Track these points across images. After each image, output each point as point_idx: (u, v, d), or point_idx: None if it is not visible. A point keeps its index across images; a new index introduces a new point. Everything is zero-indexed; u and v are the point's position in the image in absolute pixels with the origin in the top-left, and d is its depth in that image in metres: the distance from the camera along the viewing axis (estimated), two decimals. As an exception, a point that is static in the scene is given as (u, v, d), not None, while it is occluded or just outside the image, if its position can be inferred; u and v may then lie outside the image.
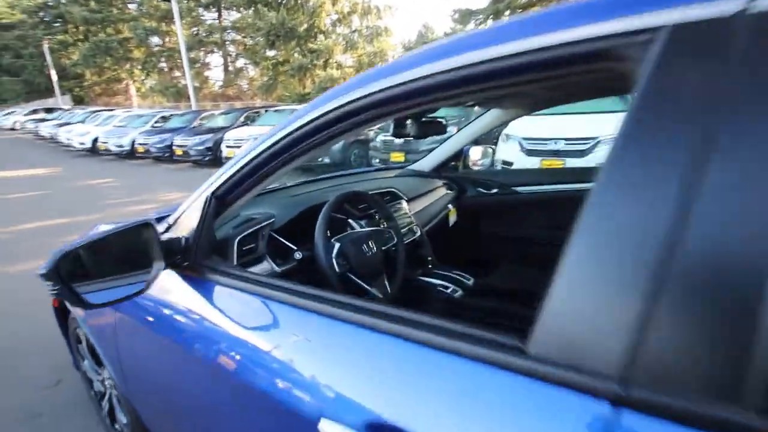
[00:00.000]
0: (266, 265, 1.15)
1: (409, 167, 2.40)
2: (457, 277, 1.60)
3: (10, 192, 6.91)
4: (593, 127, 5.05)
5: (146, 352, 1.05)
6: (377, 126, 7.98)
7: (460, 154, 2.33)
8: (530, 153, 5.50)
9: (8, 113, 20.57)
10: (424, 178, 2.28)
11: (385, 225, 1.39)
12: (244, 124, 10.96)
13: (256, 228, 1.16)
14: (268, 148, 0.79)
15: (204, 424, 0.90)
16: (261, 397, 0.67)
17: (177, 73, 23.54)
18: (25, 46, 23.52)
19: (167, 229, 0.96)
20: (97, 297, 0.78)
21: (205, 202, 0.90)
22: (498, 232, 2.26)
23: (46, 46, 21.92)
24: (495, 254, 2.27)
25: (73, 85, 24.47)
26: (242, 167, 0.84)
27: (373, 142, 7.40)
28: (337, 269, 1.11)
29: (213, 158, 10.22)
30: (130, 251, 0.85)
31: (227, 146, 9.66)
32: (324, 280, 1.08)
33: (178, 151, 10.86)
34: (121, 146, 11.88)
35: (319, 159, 7.88)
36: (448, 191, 2.26)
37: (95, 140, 12.55)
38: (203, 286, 0.86)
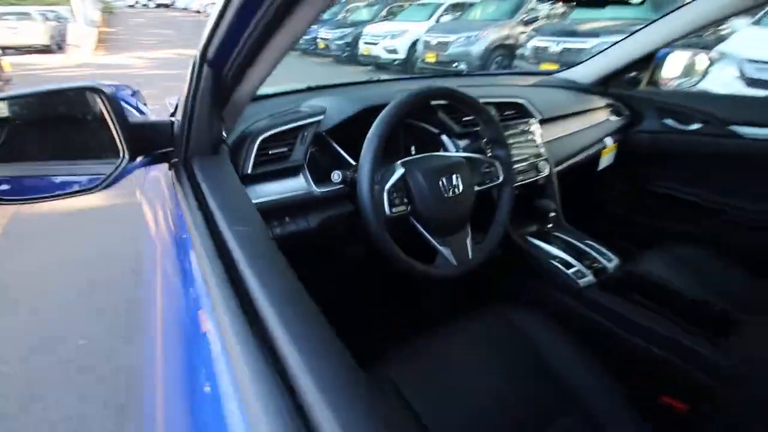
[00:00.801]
0: (300, 182, 0.81)
1: (558, 74, 1.70)
2: (592, 251, 1.05)
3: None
4: None
5: None
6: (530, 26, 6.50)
7: (650, 61, 1.50)
8: (754, 83, 3.83)
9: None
10: (578, 92, 1.57)
11: (490, 153, 0.89)
12: (386, 18, 10.27)
13: (293, 125, 0.80)
14: None
15: None
16: None
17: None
18: None
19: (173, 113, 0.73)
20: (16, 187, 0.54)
21: (192, 69, 0.57)
22: (679, 194, 1.50)
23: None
24: (663, 227, 1.55)
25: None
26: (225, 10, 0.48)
27: (522, 49, 6.11)
28: (387, 209, 0.71)
29: (350, 55, 10.07)
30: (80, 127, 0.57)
31: (365, 42, 9.30)
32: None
33: (321, 45, 10.98)
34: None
35: (454, 65, 6.97)
36: (612, 117, 1.53)
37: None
38: (183, 195, 0.58)
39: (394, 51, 8.68)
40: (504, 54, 6.78)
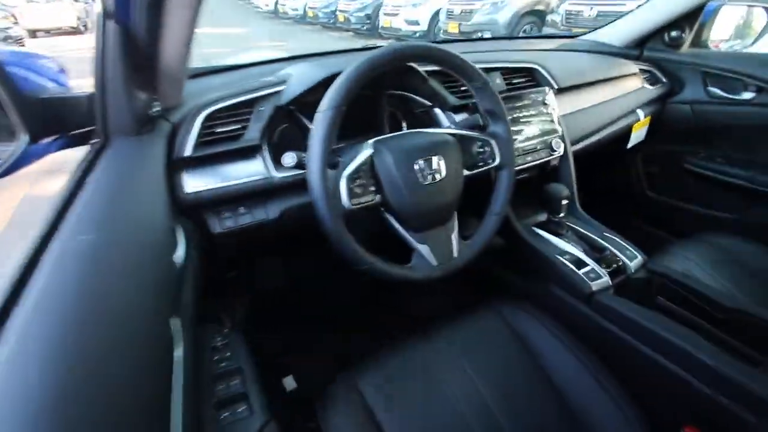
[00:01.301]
0: (257, 165, 0.69)
1: (585, 36, 1.48)
2: (611, 246, 0.90)
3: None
4: None
5: None
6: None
7: (695, 18, 1.27)
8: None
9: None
10: (607, 56, 1.36)
11: (488, 129, 0.74)
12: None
13: (245, 97, 0.68)
14: None
15: None
16: None
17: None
18: None
19: None
20: None
21: (97, 26, 0.46)
22: (725, 177, 1.29)
23: None
24: (703, 216, 1.34)
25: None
26: None
27: (553, 15, 5.64)
28: (346, 199, 0.59)
29: (371, 28, 9.69)
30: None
31: (384, 14, 8.90)
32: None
33: (341, 18, 10.62)
34: (296, 9, 12.22)
35: (477, 35, 6.56)
36: (646, 85, 1.32)
37: (276, 2, 13.18)
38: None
39: (415, 22, 8.27)
40: (533, 21, 6.28)
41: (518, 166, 0.98)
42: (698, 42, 1.37)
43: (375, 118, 0.95)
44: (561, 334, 0.79)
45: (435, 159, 0.67)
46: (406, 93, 0.95)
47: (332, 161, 0.64)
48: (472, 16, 6.70)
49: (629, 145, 1.36)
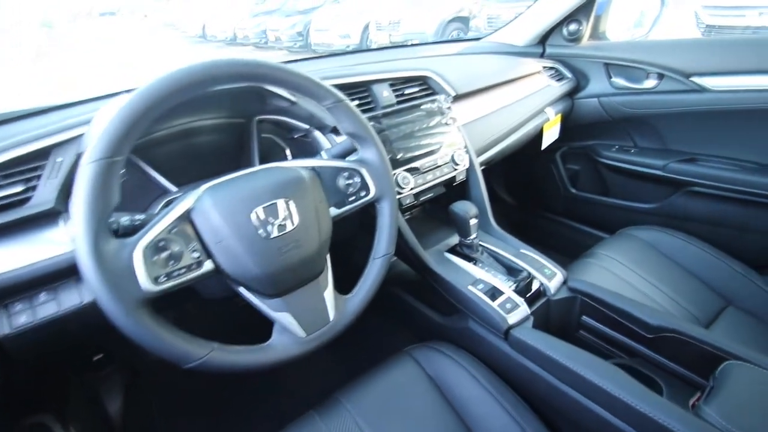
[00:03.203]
0: (57, 236, 0.51)
1: (487, 38, 1.42)
2: (528, 266, 0.80)
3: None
4: None
5: None
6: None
7: (589, 10, 1.24)
8: (712, 31, 3.67)
9: None
10: (510, 56, 1.30)
11: (357, 155, 0.61)
12: (335, 1, 9.76)
13: (28, 149, 0.52)
14: None
15: None
16: None
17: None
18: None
19: None
20: None
21: None
22: (642, 168, 1.26)
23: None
24: (626, 211, 1.31)
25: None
26: None
27: (476, 19, 5.81)
28: (145, 280, 0.42)
29: (304, 44, 9.56)
30: None
31: (316, 30, 8.81)
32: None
33: (272, 37, 10.41)
34: (225, 32, 11.87)
35: (406, 41, 6.62)
36: (552, 82, 1.26)
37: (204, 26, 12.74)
38: None
39: (346, 36, 8.25)
40: (460, 27, 6.45)
41: (418, 187, 0.86)
42: (597, 34, 1.35)
43: (238, 152, 0.80)
44: (481, 375, 0.69)
45: (281, 204, 0.52)
46: (277, 117, 0.80)
47: (127, 226, 0.48)
48: (400, 25, 6.78)
49: (543, 146, 1.30)
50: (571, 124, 1.39)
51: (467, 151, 0.94)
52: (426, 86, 0.98)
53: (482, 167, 1.11)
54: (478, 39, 1.50)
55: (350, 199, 0.61)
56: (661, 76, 1.18)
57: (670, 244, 1.11)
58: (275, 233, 0.51)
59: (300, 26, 9.61)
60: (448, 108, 0.96)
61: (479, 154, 1.03)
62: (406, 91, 0.94)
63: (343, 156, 0.67)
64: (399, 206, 0.84)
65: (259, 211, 0.51)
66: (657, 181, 1.27)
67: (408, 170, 0.84)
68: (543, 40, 1.37)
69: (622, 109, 1.28)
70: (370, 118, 0.83)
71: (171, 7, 17.19)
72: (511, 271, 0.84)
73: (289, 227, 0.52)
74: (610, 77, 1.29)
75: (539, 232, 1.70)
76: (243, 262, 0.49)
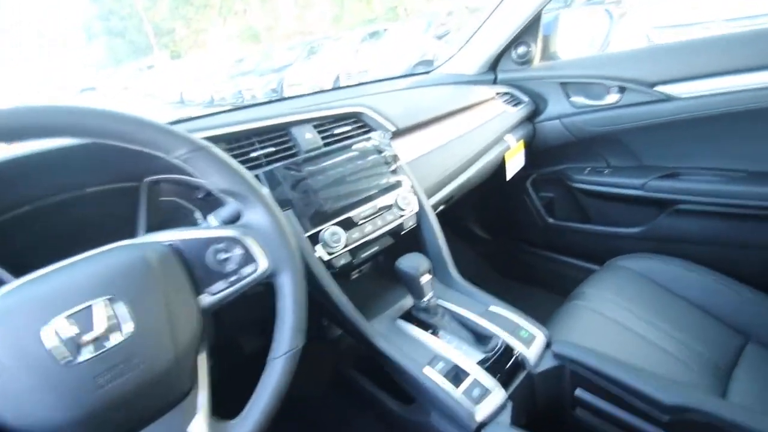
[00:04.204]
0: None
1: (436, 70, 1.33)
2: (501, 330, 0.63)
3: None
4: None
5: None
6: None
7: (535, 31, 1.17)
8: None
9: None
10: (461, 85, 1.20)
11: (240, 219, 0.45)
12: (308, 57, 10.16)
13: None
14: None
15: None
16: None
17: (251, 15, 23.29)
18: (123, 7, 25.40)
19: None
20: None
21: None
22: (618, 190, 1.13)
23: (139, 4, 23.26)
24: (610, 238, 1.17)
25: (167, 41, 26.07)
26: None
27: (438, 60, 6.00)
28: None
29: (280, 100, 9.78)
30: None
31: (289, 85, 9.08)
32: None
33: (248, 95, 10.70)
34: (203, 95, 12.19)
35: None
36: (509, 108, 1.15)
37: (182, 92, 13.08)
38: None
39: (320, 90, 8.49)
40: (425, 70, 6.68)
41: (354, 242, 0.70)
42: (548, 55, 1.28)
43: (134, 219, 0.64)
44: None
45: (99, 308, 0.35)
46: (171, 176, 0.65)
47: None
48: (368, 73, 7.01)
49: (509, 176, 1.18)
50: (536, 150, 1.28)
51: (415, 193, 0.80)
52: (360, 123, 0.86)
53: (440, 207, 0.97)
54: (428, 72, 1.43)
55: (231, 279, 0.45)
56: (622, 89, 1.09)
57: (666, 273, 0.96)
58: (86, 354, 0.34)
59: (274, 83, 9.90)
60: (388, 145, 0.83)
61: (432, 193, 0.89)
62: (336, 131, 0.81)
63: (234, 220, 0.51)
64: (332, 268, 0.68)
65: (59, 324, 0.34)
66: (639, 202, 1.14)
67: (339, 223, 0.69)
68: (493, 66, 1.29)
69: (587, 128, 1.18)
70: (287, 167, 0.69)
71: (151, 78, 17.74)
72: (481, 338, 0.66)
73: (115, 340, 0.35)
74: (569, 96, 1.20)
75: (521, 266, 1.54)
76: (30, 407, 0.32)
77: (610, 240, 1.24)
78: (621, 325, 0.85)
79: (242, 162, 0.69)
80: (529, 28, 1.18)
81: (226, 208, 0.53)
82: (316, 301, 0.66)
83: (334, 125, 0.81)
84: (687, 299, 0.91)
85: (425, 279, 0.67)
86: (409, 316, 0.72)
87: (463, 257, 1.73)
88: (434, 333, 0.67)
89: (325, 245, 0.66)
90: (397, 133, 0.88)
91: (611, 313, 0.88)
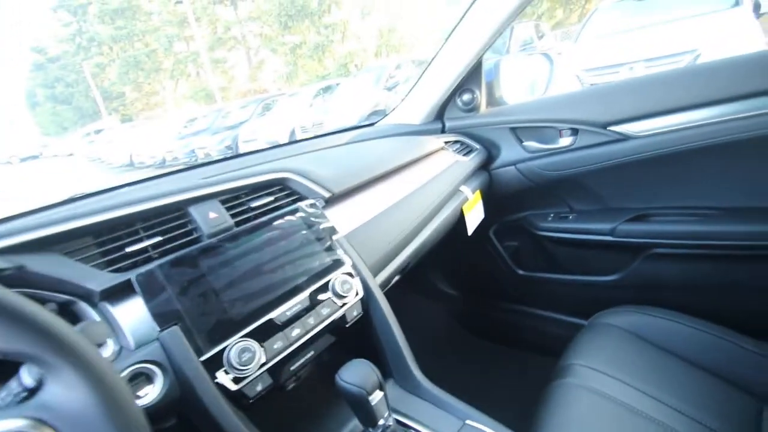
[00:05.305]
0: None
1: (382, 121, 1.24)
2: None
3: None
4: (684, 33, 3.44)
5: None
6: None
7: (477, 78, 1.11)
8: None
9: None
10: (408, 136, 1.10)
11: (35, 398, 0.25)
12: (262, 114, 10.22)
13: None
14: None
15: None
16: None
17: (204, 76, 23.59)
18: (69, 74, 24.96)
19: None
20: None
21: None
22: (585, 237, 1.04)
23: (87, 71, 22.96)
24: (585, 288, 1.07)
25: (117, 105, 25.65)
26: None
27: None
28: None
29: (186, 169, 9.71)
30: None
31: (244, 141, 9.00)
32: None
33: (201, 154, 10.49)
34: (154, 156, 11.86)
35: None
36: (461, 158, 1.05)
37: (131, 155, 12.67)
38: None
39: (274, 142, 8.47)
40: (370, 123, 6.89)
41: (275, 357, 0.52)
42: (494, 101, 1.22)
43: None
44: None
45: None
46: None
47: None
48: (323, 125, 7.08)
49: (470, 231, 1.05)
50: (495, 198, 1.18)
51: (357, 273, 0.64)
52: (287, 192, 0.70)
53: (395, 278, 0.81)
54: (372, 125, 1.33)
55: None
56: (575, 132, 1.03)
57: (656, 327, 0.84)
58: None
59: (228, 141, 9.78)
60: (321, 216, 0.67)
61: (380, 268, 0.73)
62: (253, 205, 0.65)
63: (29, 396, 0.32)
64: (243, 399, 0.49)
65: None
66: (610, 248, 1.05)
67: (252, 334, 0.51)
68: (440, 115, 1.22)
69: (544, 173, 1.10)
70: (176, 262, 0.51)
71: (99, 143, 17.11)
72: None
73: None
74: (521, 141, 1.13)
75: (494, 325, 1.39)
76: None
77: (585, 290, 1.13)
78: (622, 405, 0.71)
79: (117, 260, 0.51)
80: (472, 75, 1.13)
81: (19, 378, 0.32)
82: None
83: (251, 197, 0.66)
84: (685, 358, 0.79)
85: (376, 398, 0.49)
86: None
87: (430, 318, 1.57)
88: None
89: (232, 369, 0.48)
90: (333, 200, 0.73)
91: (607, 389, 0.73)
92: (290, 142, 1.13)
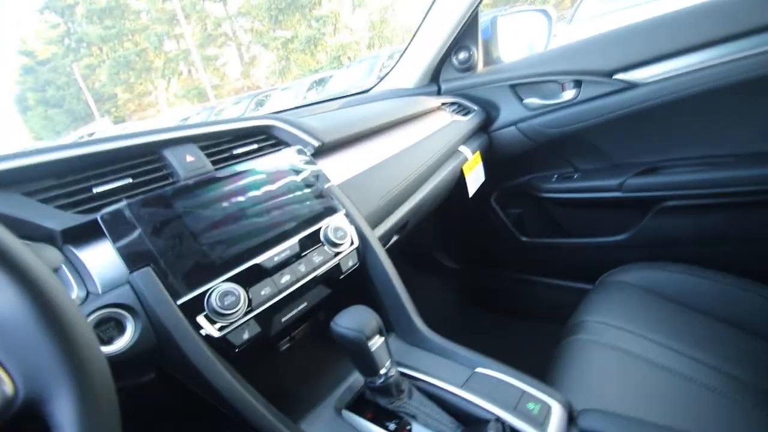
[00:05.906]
0: None
1: (375, 88, 1.18)
2: (493, 409, 0.40)
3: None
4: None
5: None
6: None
7: (473, 35, 1.06)
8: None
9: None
10: (402, 98, 1.05)
11: None
12: (255, 110, 10.11)
13: None
14: None
15: None
16: None
17: (196, 75, 23.35)
18: (59, 76, 24.63)
19: None
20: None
21: None
22: (592, 195, 1.00)
23: (77, 72, 22.67)
24: (594, 250, 1.03)
25: (109, 106, 25.38)
26: None
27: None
28: None
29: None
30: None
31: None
32: None
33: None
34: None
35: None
36: (459, 117, 1.01)
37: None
38: None
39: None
40: (362, 90, 6.83)
41: (262, 304, 0.47)
42: (491, 60, 1.17)
43: None
44: None
45: None
46: None
47: None
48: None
49: (471, 192, 1.00)
50: (496, 162, 1.13)
51: (352, 222, 0.59)
52: (273, 141, 0.65)
53: (393, 238, 0.77)
54: (366, 91, 1.28)
55: None
56: (578, 84, 0.98)
57: (672, 282, 0.80)
58: None
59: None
60: (309, 162, 0.62)
61: (377, 221, 0.68)
62: (235, 152, 0.59)
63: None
64: (229, 349, 0.44)
65: None
66: (618, 206, 1.00)
67: (236, 278, 0.46)
68: (435, 77, 1.16)
69: (547, 130, 1.05)
70: (147, 202, 0.46)
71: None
72: (470, 422, 0.44)
73: None
74: (521, 99, 1.08)
75: (501, 296, 1.34)
76: None
77: (594, 252, 1.08)
78: (640, 358, 0.67)
79: (84, 201, 0.46)
80: (467, 31, 1.07)
81: None
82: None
83: (233, 145, 0.60)
84: (705, 312, 0.75)
85: (376, 344, 0.44)
86: (360, 404, 0.48)
87: (432, 294, 1.52)
88: (399, 428, 0.44)
89: (214, 314, 0.43)
90: (323, 151, 0.68)
91: (624, 344, 0.69)
92: (280, 111, 1.08)
